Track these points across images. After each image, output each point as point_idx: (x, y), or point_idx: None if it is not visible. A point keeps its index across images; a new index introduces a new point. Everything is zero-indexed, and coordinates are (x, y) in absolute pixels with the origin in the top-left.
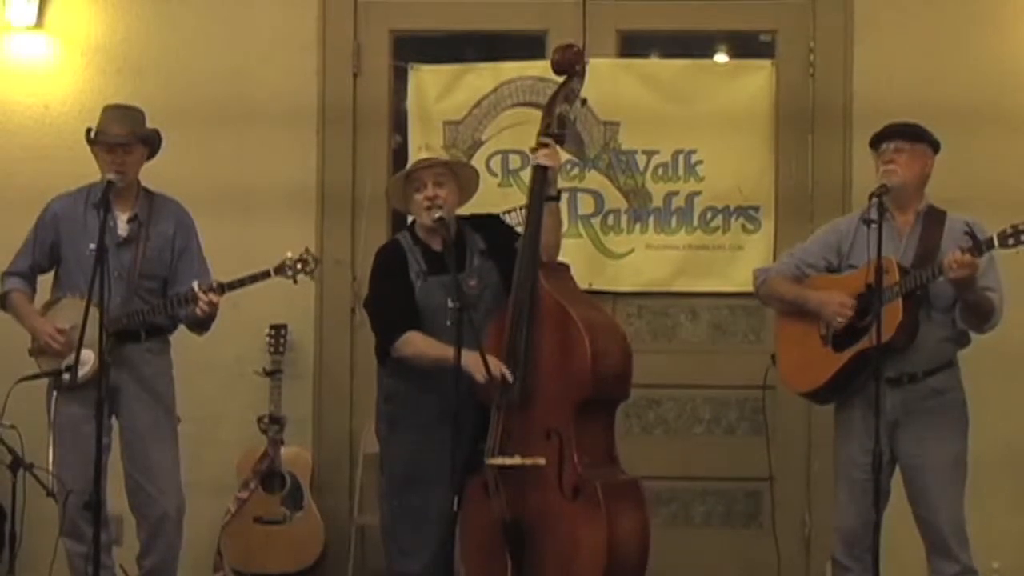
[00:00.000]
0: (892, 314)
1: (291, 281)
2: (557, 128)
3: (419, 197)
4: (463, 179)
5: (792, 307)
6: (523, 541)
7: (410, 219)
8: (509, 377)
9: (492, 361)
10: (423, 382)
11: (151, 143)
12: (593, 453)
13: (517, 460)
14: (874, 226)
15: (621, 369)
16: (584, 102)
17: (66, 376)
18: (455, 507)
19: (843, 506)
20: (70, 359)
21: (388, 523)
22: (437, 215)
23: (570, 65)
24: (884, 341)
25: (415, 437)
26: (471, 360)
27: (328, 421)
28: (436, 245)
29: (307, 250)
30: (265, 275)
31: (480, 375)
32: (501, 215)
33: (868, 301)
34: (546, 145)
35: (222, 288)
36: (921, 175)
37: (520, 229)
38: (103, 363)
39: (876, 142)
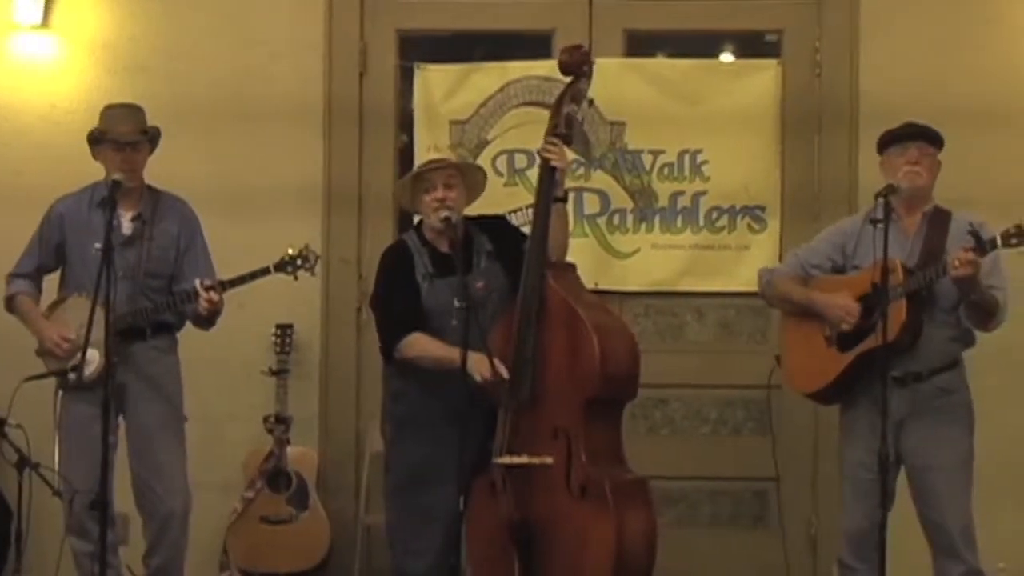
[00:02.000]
0: (896, 314)
1: (292, 278)
2: (565, 128)
3: (428, 198)
4: (471, 181)
5: (797, 308)
6: (530, 541)
7: (416, 219)
8: (505, 374)
9: (496, 362)
10: (430, 382)
11: (154, 141)
12: (600, 452)
13: (524, 459)
14: (880, 226)
15: (628, 369)
16: (591, 102)
17: (72, 375)
18: (461, 507)
19: (849, 507)
20: (76, 358)
21: (394, 523)
22: (444, 215)
23: (577, 66)
24: (888, 341)
25: (422, 437)
26: (474, 360)
27: (334, 421)
28: (443, 246)
29: (307, 246)
30: (265, 272)
31: (479, 375)
32: (507, 215)
33: (873, 302)
34: (554, 145)
35: (223, 285)
36: (936, 178)
37: (526, 229)
38: (110, 362)
39: (895, 141)
